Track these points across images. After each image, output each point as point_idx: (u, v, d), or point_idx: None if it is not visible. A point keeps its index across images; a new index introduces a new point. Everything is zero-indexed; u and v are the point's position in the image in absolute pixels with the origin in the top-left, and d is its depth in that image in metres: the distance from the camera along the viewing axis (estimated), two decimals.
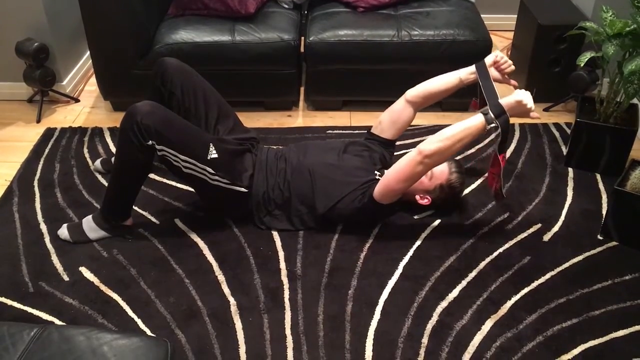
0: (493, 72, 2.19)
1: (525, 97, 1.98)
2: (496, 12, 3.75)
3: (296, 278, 2.05)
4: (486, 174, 2.17)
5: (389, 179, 2.07)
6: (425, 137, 2.73)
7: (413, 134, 2.81)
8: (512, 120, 2.95)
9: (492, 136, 2.80)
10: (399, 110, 2.33)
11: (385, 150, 2.36)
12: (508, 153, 2.68)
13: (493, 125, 1.96)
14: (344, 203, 2.15)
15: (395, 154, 2.64)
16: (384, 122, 2.36)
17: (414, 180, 2.07)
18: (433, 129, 2.85)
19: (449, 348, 1.81)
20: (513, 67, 2.21)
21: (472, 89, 2.27)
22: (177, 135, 2.02)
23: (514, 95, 1.98)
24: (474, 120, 1.97)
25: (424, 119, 2.97)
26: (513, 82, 2.24)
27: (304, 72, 3.06)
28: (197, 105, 2.28)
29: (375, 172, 2.25)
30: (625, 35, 2.28)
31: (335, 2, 3.10)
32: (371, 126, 2.86)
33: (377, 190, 2.10)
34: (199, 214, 2.34)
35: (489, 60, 2.20)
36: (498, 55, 2.20)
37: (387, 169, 2.34)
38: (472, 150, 2.71)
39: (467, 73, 2.22)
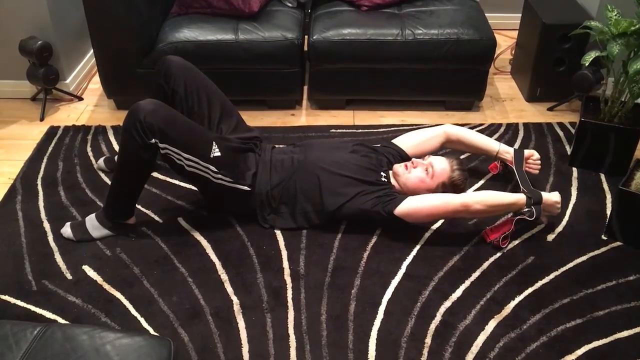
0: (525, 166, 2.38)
1: (560, 202, 2.19)
2: (500, 11, 3.74)
3: (299, 277, 2.05)
4: (486, 230, 2.23)
5: (421, 210, 2.10)
6: None
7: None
8: (517, 119, 2.96)
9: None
10: (432, 137, 2.41)
11: (394, 159, 2.35)
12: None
13: (529, 210, 2.12)
14: (354, 202, 2.15)
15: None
16: (410, 138, 2.43)
17: (442, 217, 2.19)
18: None
19: (452, 348, 1.81)
20: (538, 172, 2.40)
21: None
22: (179, 133, 2.02)
23: (554, 195, 2.18)
24: (518, 199, 2.13)
25: (428, 118, 2.96)
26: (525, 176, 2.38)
27: (308, 71, 3.05)
28: (200, 104, 2.28)
29: (382, 173, 2.25)
30: (631, 34, 2.27)
31: (339, 1, 3.09)
32: (375, 124, 2.87)
33: (402, 211, 2.11)
34: (202, 213, 2.34)
35: (525, 153, 2.39)
36: (535, 156, 2.39)
37: (390, 168, 2.35)
38: None
39: (504, 151, 2.40)
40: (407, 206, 2.11)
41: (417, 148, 2.40)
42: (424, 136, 2.41)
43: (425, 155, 2.38)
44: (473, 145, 2.42)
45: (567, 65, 2.92)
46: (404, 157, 2.38)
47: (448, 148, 2.52)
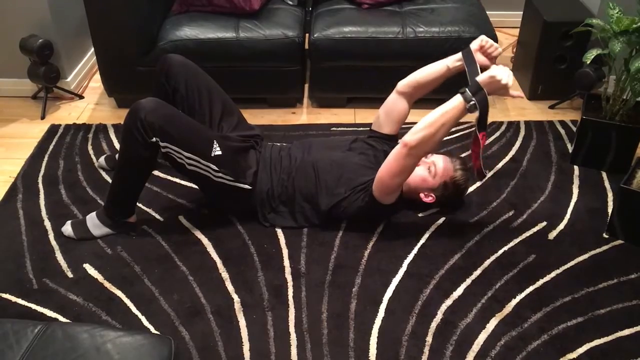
0: (480, 58, 2.11)
1: (499, 72, 1.90)
2: (502, 8, 3.73)
3: (300, 275, 2.05)
4: (469, 152, 2.12)
5: (382, 175, 2.06)
6: None
7: None
8: (518, 117, 2.95)
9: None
10: (391, 102, 2.32)
11: (388, 148, 2.34)
12: (513, 151, 2.67)
13: (472, 103, 1.89)
14: (348, 201, 2.15)
15: None
16: (380, 116, 2.36)
17: (406, 173, 2.04)
18: None
19: (454, 346, 1.81)
20: (500, 50, 2.12)
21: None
22: (181, 132, 2.02)
23: (489, 71, 1.92)
24: (453, 102, 1.93)
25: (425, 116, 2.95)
26: (501, 69, 2.06)
27: (308, 69, 3.05)
28: (201, 102, 2.28)
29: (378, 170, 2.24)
30: (632, 32, 2.26)
31: None
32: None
33: (374, 188, 2.10)
34: (203, 211, 2.33)
35: (474, 45, 2.11)
36: (483, 40, 2.11)
37: None
38: None
39: (453, 60, 2.16)
40: (375, 183, 2.08)
41: (389, 122, 2.31)
42: (385, 109, 2.32)
43: (402, 122, 2.33)
44: (427, 80, 2.22)
45: (569, 63, 2.91)
46: (389, 139, 2.34)
47: (418, 97, 2.32)
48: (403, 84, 2.28)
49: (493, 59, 2.11)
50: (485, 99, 1.90)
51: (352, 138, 2.39)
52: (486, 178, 2.03)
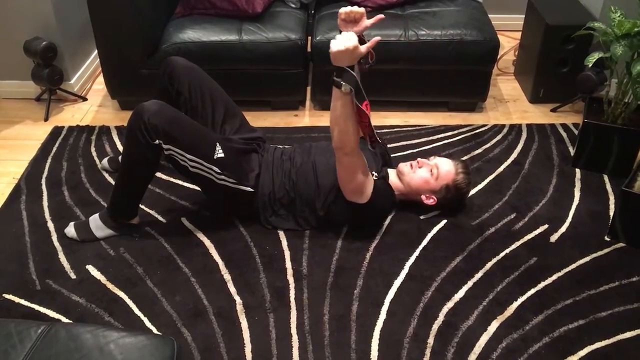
0: (354, 29, 1.96)
1: (334, 45, 1.83)
2: (504, 12, 3.74)
3: (302, 277, 2.05)
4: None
5: (341, 182, 2.09)
6: (431, 137, 2.77)
7: (420, 134, 2.81)
8: (520, 120, 2.96)
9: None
10: None
11: (379, 148, 2.34)
12: (515, 154, 2.67)
13: (343, 85, 1.87)
14: (341, 206, 2.15)
15: (403, 153, 2.65)
16: None
17: (358, 168, 2.04)
18: (439, 129, 2.85)
19: (455, 348, 1.81)
20: (361, 9, 1.95)
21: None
22: (184, 134, 2.02)
23: (330, 48, 1.85)
24: (333, 94, 1.91)
25: (431, 119, 2.96)
26: (371, 21, 1.98)
27: (311, 71, 3.06)
28: (204, 105, 2.29)
29: (373, 172, 2.24)
30: (634, 35, 2.27)
31: (343, 2, 3.09)
32: (377, 125, 2.87)
33: (344, 194, 2.11)
34: (205, 213, 2.34)
35: (340, 24, 1.97)
36: (342, 13, 1.94)
37: (389, 166, 2.35)
38: (479, 150, 2.70)
39: None
40: (341, 188, 2.11)
41: None
42: None
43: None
44: None
45: (571, 67, 2.92)
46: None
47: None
48: None
49: (360, 20, 1.98)
50: (350, 75, 1.87)
51: None
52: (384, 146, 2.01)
